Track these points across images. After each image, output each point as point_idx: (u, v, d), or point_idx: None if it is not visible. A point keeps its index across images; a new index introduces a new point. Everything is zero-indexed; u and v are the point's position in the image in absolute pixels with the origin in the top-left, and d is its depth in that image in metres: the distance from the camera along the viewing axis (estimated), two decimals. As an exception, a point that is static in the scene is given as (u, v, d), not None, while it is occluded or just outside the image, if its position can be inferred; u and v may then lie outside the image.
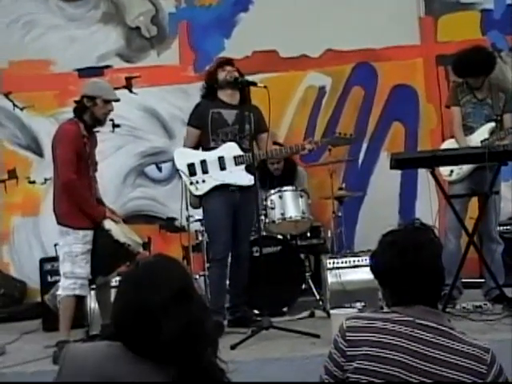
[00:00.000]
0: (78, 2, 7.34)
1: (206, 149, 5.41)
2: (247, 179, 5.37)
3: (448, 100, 5.81)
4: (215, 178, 5.36)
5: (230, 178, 5.38)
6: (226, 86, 5.41)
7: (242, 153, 5.38)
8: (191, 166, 5.35)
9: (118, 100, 5.09)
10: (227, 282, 5.51)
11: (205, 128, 5.38)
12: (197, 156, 5.38)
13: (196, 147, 5.47)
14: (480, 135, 5.45)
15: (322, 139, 5.85)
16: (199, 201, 5.42)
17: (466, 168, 5.43)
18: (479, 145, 5.35)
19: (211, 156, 5.36)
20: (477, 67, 5.46)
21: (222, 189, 5.34)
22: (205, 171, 5.35)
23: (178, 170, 5.44)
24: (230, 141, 5.38)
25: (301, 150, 5.53)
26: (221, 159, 5.37)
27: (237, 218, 5.40)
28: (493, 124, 5.45)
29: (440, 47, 6.78)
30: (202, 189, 5.35)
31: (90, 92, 4.97)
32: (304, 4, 7.08)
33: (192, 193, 5.38)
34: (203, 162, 5.35)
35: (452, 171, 5.46)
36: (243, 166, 5.39)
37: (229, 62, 5.56)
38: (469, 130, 5.54)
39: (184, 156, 5.41)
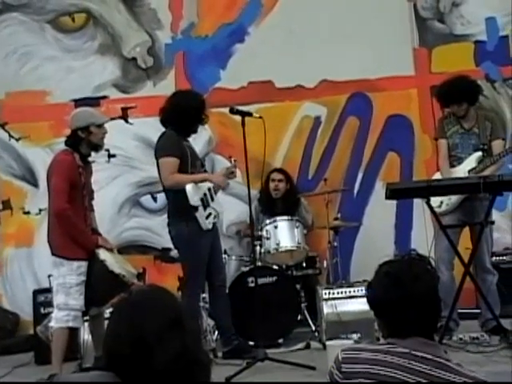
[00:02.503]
0: (74, 33, 7.40)
1: None
2: (219, 206, 5.60)
3: (436, 133, 5.88)
4: (213, 209, 5.38)
5: (217, 207, 5.49)
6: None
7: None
8: (202, 201, 5.32)
9: (107, 120, 5.15)
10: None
11: (184, 160, 5.33)
12: (200, 189, 5.34)
13: None
14: (467, 165, 5.49)
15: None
16: (186, 235, 5.34)
17: (454, 199, 5.43)
18: (467, 175, 5.38)
19: (204, 188, 5.36)
20: (457, 93, 5.51)
21: None
22: (208, 204, 5.36)
23: (194, 207, 5.25)
24: (204, 172, 5.54)
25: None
26: (210, 190, 5.40)
27: (213, 246, 5.45)
28: (479, 153, 5.48)
29: (434, 78, 6.79)
30: (211, 222, 5.36)
31: (83, 123, 4.98)
32: (299, 35, 7.12)
33: (205, 227, 5.29)
34: (205, 195, 5.35)
35: (441, 202, 5.45)
36: (217, 195, 5.49)
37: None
38: (457, 160, 5.57)
39: (196, 191, 5.30)
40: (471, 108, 5.59)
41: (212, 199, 5.39)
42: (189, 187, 5.25)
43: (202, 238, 5.29)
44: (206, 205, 5.32)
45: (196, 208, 5.24)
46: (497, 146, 5.52)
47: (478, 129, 5.57)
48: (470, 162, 5.49)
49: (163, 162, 5.30)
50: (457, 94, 5.52)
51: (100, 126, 5.02)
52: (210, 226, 5.32)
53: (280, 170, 6.75)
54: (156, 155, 5.40)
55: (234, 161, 5.53)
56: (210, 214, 5.33)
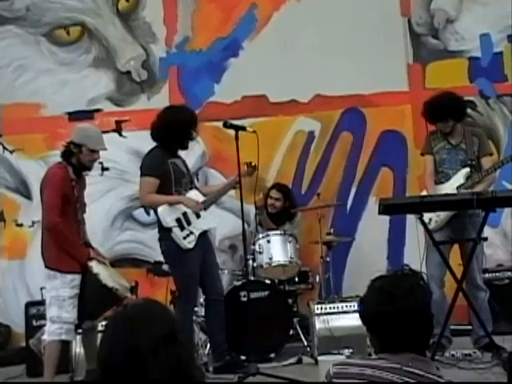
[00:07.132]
0: (69, 46, 7.42)
1: None
2: (215, 221, 5.61)
3: (422, 148, 5.87)
4: (197, 227, 5.37)
5: (205, 223, 5.44)
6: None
7: (204, 198, 5.45)
8: (178, 221, 5.32)
9: (104, 149, 5.08)
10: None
11: (167, 179, 5.33)
12: (177, 209, 5.33)
13: None
14: (456, 181, 5.48)
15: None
16: (175, 251, 5.34)
17: (443, 216, 5.42)
18: (455, 191, 5.38)
19: (183, 208, 5.33)
20: (442, 111, 5.52)
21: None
22: (189, 223, 5.34)
23: (167, 229, 5.30)
24: (191, 189, 5.47)
25: (235, 184, 5.43)
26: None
27: (205, 261, 5.43)
28: (467, 169, 5.47)
29: (428, 94, 6.78)
30: (192, 241, 5.33)
31: (77, 139, 4.98)
32: (293, 50, 7.15)
33: (184, 247, 5.29)
34: (185, 214, 5.34)
35: (430, 219, 5.43)
36: (209, 210, 5.46)
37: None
38: (445, 176, 5.56)
39: (169, 212, 5.32)
40: (458, 124, 5.59)
41: (198, 216, 5.37)
42: (160, 209, 5.32)
43: (189, 253, 5.30)
44: (183, 225, 5.30)
45: (170, 229, 5.27)
46: (486, 162, 5.53)
47: (465, 144, 5.56)
48: (458, 178, 5.48)
49: (142, 181, 5.39)
50: (442, 111, 5.52)
51: (93, 150, 5.00)
52: (191, 246, 5.30)
53: (280, 189, 6.68)
54: (140, 173, 5.47)
55: (252, 166, 5.44)
56: (189, 233, 5.31)
